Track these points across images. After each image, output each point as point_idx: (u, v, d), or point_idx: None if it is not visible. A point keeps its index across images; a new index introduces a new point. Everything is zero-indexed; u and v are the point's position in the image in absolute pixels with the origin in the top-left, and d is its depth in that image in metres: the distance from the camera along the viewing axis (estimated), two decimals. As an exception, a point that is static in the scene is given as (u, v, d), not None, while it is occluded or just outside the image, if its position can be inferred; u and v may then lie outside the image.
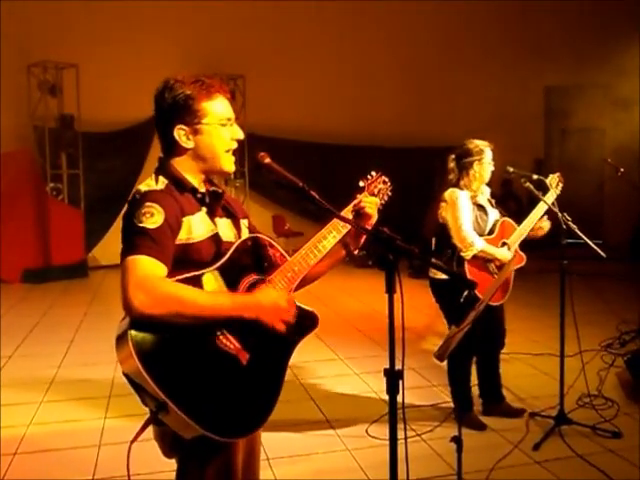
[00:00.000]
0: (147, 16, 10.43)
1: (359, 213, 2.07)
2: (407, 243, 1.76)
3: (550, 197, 3.90)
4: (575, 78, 11.51)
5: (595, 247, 3.80)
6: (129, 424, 3.95)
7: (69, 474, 3.40)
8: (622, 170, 5.03)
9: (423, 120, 11.80)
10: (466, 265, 3.75)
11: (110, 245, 10.40)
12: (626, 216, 11.22)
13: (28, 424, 4.07)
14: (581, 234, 3.78)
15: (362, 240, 2.07)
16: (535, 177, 3.87)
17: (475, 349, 3.91)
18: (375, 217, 2.07)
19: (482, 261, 3.78)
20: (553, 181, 3.97)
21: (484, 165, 3.84)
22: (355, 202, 2.09)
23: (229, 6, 10.85)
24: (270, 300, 1.82)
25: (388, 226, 1.90)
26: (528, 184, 3.81)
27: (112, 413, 4.23)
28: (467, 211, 3.80)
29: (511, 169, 3.91)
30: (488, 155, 3.86)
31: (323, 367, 5.09)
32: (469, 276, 3.72)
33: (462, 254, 3.75)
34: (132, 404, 4.09)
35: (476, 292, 3.55)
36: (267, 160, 1.87)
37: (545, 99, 12.61)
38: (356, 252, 2.10)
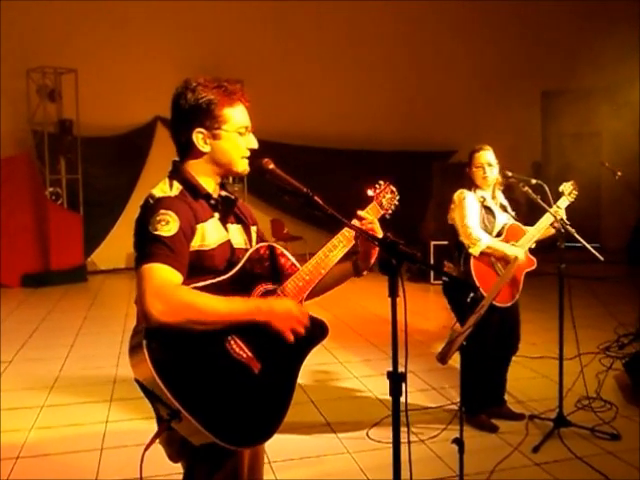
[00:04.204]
0: (146, 21, 10.46)
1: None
2: (409, 247, 1.78)
3: (562, 204, 3.94)
4: (572, 82, 11.55)
5: (593, 250, 3.83)
6: (131, 428, 3.98)
7: (71, 478, 3.41)
8: (620, 173, 5.05)
9: (421, 124, 11.85)
10: (472, 263, 3.76)
11: (109, 250, 10.43)
12: (623, 219, 11.27)
13: (30, 428, 4.08)
14: (579, 237, 3.80)
15: (372, 261, 2.06)
16: (534, 182, 3.89)
17: (489, 350, 3.92)
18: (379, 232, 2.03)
19: (489, 261, 3.81)
20: (566, 189, 4.01)
21: (472, 169, 3.92)
22: (359, 224, 2.03)
23: (228, 11, 10.89)
24: (284, 307, 1.84)
25: (388, 230, 1.91)
26: (527, 188, 3.84)
27: (114, 417, 4.24)
28: (473, 210, 3.85)
29: (510, 173, 3.94)
30: (479, 158, 3.90)
31: (323, 370, 5.11)
32: (475, 275, 3.75)
33: (470, 250, 3.77)
34: (134, 408, 4.14)
35: (483, 293, 3.58)
36: (271, 166, 1.89)
37: (542, 103, 12.66)
38: (365, 273, 2.11)
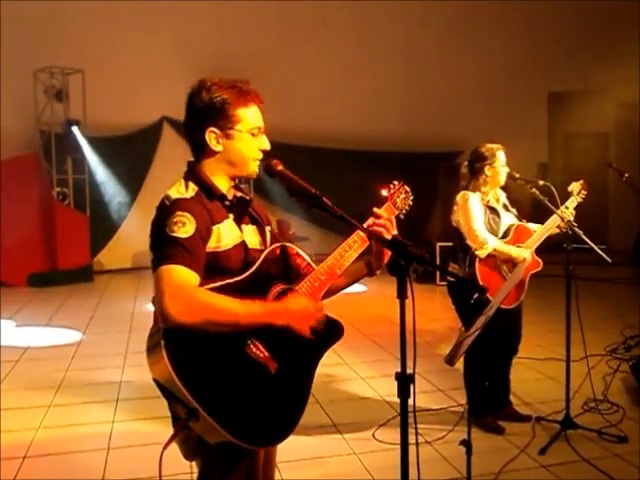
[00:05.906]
0: (152, 22, 10.47)
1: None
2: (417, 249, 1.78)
3: (571, 204, 3.92)
4: (578, 83, 11.52)
5: (600, 252, 3.81)
6: (137, 428, 3.98)
7: (78, 478, 3.42)
8: (627, 175, 5.03)
9: (427, 125, 11.81)
10: (477, 266, 3.73)
11: (115, 250, 10.45)
12: (631, 221, 11.21)
13: (37, 428, 4.09)
14: (587, 239, 3.78)
15: (385, 260, 2.04)
16: (541, 183, 3.86)
17: (493, 352, 3.90)
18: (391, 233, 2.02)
19: (494, 263, 3.78)
20: (575, 188, 3.98)
21: (495, 168, 3.84)
22: (369, 224, 2.03)
23: (233, 11, 10.89)
24: (300, 307, 1.85)
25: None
26: (534, 190, 3.82)
27: (120, 417, 4.24)
28: (478, 212, 3.80)
29: (517, 175, 3.91)
30: (500, 158, 3.86)
31: (329, 371, 5.10)
32: (480, 278, 3.71)
33: (477, 253, 3.73)
34: (140, 408, 4.15)
35: (488, 295, 3.55)
36: (280, 167, 1.89)
37: (549, 104, 12.62)
38: (378, 272, 2.09)
